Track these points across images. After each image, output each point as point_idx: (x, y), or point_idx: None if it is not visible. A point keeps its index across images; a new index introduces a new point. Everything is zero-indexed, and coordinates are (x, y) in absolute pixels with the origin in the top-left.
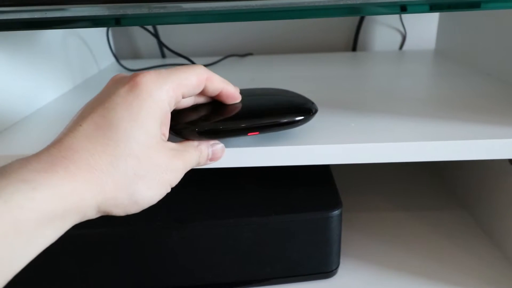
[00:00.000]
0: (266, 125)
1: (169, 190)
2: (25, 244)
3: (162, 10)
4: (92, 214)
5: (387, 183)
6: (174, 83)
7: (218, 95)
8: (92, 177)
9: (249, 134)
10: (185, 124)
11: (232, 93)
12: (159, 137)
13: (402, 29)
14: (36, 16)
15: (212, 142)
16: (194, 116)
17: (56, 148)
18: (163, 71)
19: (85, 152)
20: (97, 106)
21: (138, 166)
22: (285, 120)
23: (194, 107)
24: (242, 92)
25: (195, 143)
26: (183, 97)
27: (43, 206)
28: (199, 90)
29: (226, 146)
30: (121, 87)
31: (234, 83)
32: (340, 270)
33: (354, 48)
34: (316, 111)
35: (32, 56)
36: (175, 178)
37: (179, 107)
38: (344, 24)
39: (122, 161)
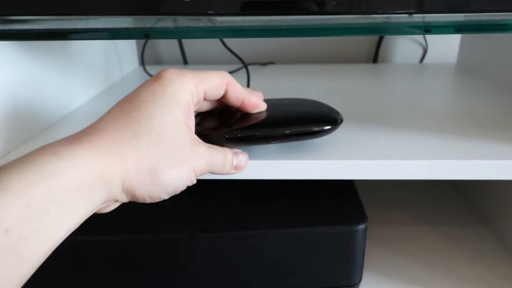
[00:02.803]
0: (290, 134)
1: (193, 178)
2: (61, 212)
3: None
4: (118, 191)
5: (409, 196)
6: (196, 78)
7: (241, 105)
8: (115, 148)
9: (271, 142)
10: (208, 130)
11: (255, 103)
12: (184, 122)
13: (423, 43)
14: (67, 27)
15: (235, 150)
16: (217, 123)
17: (83, 130)
18: (186, 69)
19: (109, 129)
20: (125, 97)
21: (160, 142)
22: (309, 129)
23: (219, 113)
24: (266, 101)
25: (217, 146)
26: (205, 97)
27: (72, 175)
28: (221, 93)
29: (253, 157)
30: (146, 81)
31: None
32: (363, 284)
33: (375, 60)
34: (341, 121)
35: (65, 61)
36: (200, 165)
37: (201, 109)
38: (365, 36)
39: (145, 136)
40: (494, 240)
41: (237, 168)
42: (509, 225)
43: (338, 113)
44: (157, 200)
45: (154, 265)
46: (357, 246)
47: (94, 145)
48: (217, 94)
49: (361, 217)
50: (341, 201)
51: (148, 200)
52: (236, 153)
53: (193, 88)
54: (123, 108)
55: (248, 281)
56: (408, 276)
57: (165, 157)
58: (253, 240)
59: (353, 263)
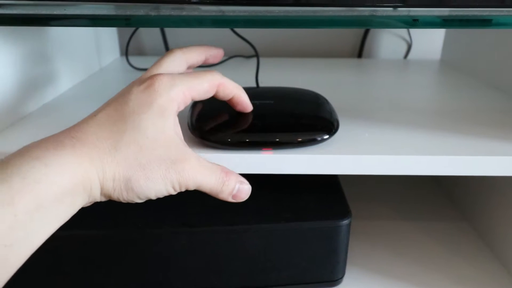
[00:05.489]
0: (282, 142)
1: (171, 190)
2: (45, 218)
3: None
4: (97, 194)
5: (392, 191)
6: (186, 86)
7: (229, 100)
8: (95, 156)
9: (263, 148)
10: (199, 129)
11: (243, 102)
12: (170, 134)
13: (408, 38)
14: (53, 12)
15: (241, 179)
16: (209, 120)
17: (68, 130)
18: (177, 75)
19: (93, 135)
20: (113, 102)
21: (140, 155)
22: (302, 139)
23: (211, 109)
24: (265, 90)
25: (225, 168)
26: (192, 99)
27: (56, 180)
28: (210, 95)
29: (235, 151)
30: (136, 86)
31: (239, 84)
32: (345, 279)
33: (359, 55)
34: (337, 127)
35: (44, 49)
36: (177, 180)
37: None
38: (351, 31)
39: (125, 147)
40: (474, 234)
41: (235, 197)
42: (487, 220)
43: (335, 114)
44: (133, 202)
45: (134, 260)
46: (341, 241)
47: (76, 151)
48: (205, 96)
49: (345, 212)
50: (325, 196)
51: (124, 202)
52: (241, 182)
53: (181, 97)
54: (110, 115)
55: (229, 277)
56: (390, 271)
57: (141, 168)
58: (235, 235)
59: (336, 258)
